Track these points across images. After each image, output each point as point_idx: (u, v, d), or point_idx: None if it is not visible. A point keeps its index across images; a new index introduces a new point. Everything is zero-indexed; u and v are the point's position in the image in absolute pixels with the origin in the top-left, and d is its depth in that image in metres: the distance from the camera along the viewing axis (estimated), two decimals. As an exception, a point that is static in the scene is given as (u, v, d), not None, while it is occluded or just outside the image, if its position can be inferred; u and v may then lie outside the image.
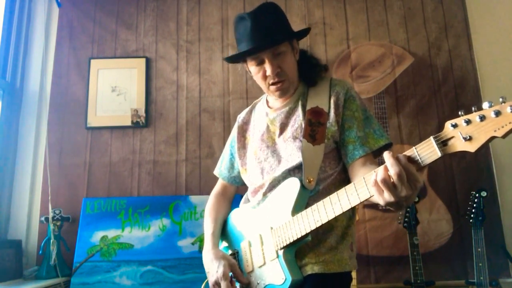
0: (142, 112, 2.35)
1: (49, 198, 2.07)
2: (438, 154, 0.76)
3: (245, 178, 1.34)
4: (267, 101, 1.34)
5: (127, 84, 2.39)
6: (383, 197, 0.82)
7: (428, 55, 2.37)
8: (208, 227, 1.32)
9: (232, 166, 1.42)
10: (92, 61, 2.42)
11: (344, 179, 1.18)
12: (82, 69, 2.42)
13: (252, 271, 1.13)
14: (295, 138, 1.17)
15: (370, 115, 1.19)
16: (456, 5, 2.42)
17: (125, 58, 2.43)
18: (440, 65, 2.35)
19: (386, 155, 0.81)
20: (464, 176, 2.18)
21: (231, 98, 2.38)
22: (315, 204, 0.99)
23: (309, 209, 1.00)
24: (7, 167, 2.22)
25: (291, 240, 1.02)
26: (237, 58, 1.25)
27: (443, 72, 2.34)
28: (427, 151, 0.77)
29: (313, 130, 1.15)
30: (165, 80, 2.42)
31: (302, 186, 1.07)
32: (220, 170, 1.46)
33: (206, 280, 1.29)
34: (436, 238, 2.13)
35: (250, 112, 1.40)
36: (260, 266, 1.11)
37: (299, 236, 1.01)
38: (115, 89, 2.39)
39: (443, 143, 0.76)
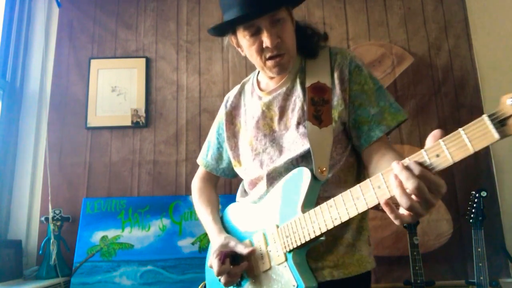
0: (142, 112, 2.35)
1: (49, 198, 2.07)
2: (494, 136, 0.59)
3: (239, 171, 1.16)
4: (258, 82, 1.15)
5: (127, 84, 2.39)
6: (404, 218, 0.69)
7: (428, 55, 2.37)
8: (204, 213, 1.17)
9: (220, 156, 1.24)
10: (92, 61, 2.42)
11: (352, 164, 1.02)
12: (82, 69, 2.41)
13: (257, 276, 0.97)
14: (298, 123, 0.99)
15: (382, 85, 1.02)
16: (456, 5, 2.42)
17: (125, 58, 2.43)
18: (440, 65, 2.35)
19: (396, 166, 0.67)
20: (464, 176, 2.17)
21: (231, 98, 2.38)
22: (332, 199, 0.81)
23: (324, 205, 0.83)
24: (7, 167, 2.22)
25: (303, 242, 0.87)
26: (226, 28, 1.04)
27: (443, 72, 2.34)
28: (478, 133, 0.60)
29: (318, 110, 0.97)
30: (165, 80, 2.42)
31: (314, 177, 0.91)
32: (206, 160, 1.27)
33: (200, 286, 1.21)
34: (436, 238, 2.13)
35: (240, 94, 1.21)
36: (266, 271, 0.95)
37: (312, 236, 0.85)
38: (115, 89, 2.39)
39: (500, 123, 0.59)
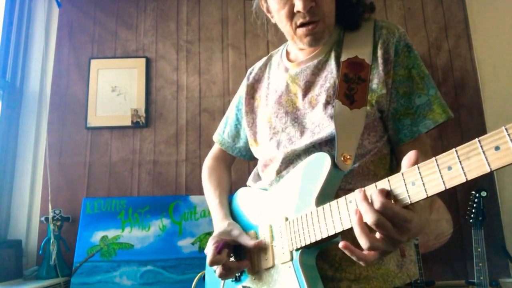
0: (142, 112, 2.35)
1: (49, 198, 2.07)
2: (486, 168, 0.47)
3: (256, 151, 1.03)
4: (287, 53, 1.02)
5: (127, 84, 2.39)
6: (368, 259, 0.61)
7: (428, 55, 2.37)
8: (212, 196, 1.05)
9: (237, 134, 1.12)
10: (92, 61, 2.42)
11: (385, 156, 0.88)
12: (82, 69, 2.41)
13: (258, 273, 0.85)
14: (327, 102, 0.85)
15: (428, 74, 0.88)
16: (456, 5, 2.42)
17: (125, 58, 2.43)
18: (440, 65, 2.35)
19: (358, 195, 0.61)
20: (464, 176, 2.17)
21: (231, 98, 2.37)
22: (351, 194, 0.65)
23: (342, 199, 0.67)
24: (7, 167, 2.22)
25: (313, 241, 0.72)
26: None
27: (443, 72, 2.34)
28: (472, 163, 0.50)
29: (351, 88, 0.83)
30: (165, 80, 2.42)
31: (334, 165, 0.76)
32: (222, 136, 1.16)
33: (199, 274, 1.08)
34: (436, 238, 2.13)
35: (265, 66, 1.08)
36: (268, 269, 0.83)
37: (324, 236, 0.70)
38: (115, 89, 2.39)
39: (495, 148, 0.47)
